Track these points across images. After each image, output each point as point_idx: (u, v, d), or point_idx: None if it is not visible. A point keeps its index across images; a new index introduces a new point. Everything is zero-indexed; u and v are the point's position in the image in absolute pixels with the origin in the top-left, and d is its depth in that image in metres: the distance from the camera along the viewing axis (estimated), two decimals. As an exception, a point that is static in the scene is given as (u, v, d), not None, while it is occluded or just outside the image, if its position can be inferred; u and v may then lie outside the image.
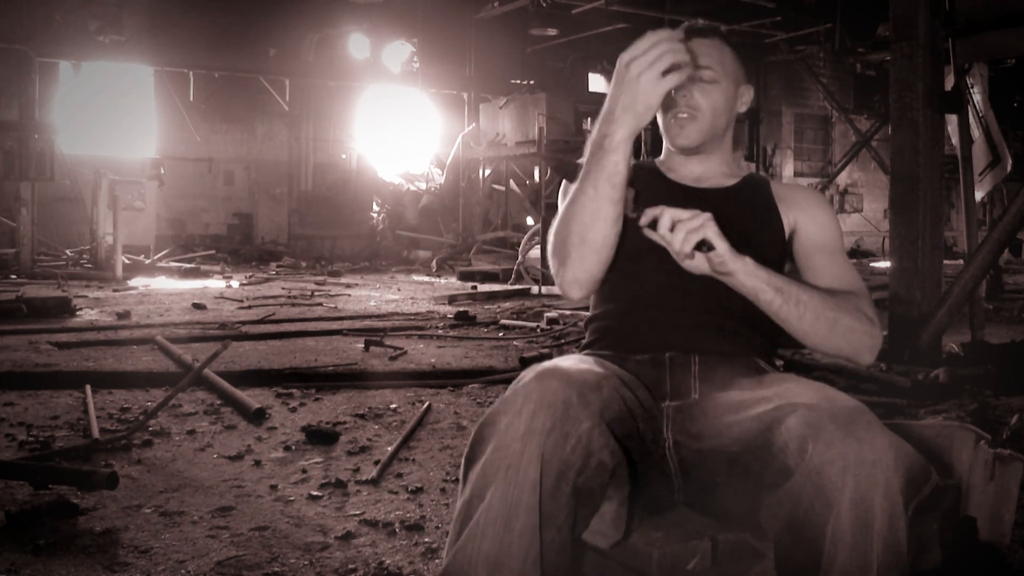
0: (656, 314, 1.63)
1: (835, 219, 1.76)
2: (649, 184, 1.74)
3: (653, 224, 1.44)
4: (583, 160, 1.56)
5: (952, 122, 6.40)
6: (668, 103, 1.69)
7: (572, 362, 1.40)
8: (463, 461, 1.30)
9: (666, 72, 1.44)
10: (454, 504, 2.75)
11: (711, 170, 1.77)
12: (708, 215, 1.41)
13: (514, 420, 1.24)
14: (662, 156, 1.83)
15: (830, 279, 1.64)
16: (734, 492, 1.36)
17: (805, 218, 1.71)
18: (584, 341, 1.72)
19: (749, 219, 1.69)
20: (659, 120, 1.76)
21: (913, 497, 1.21)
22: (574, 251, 1.55)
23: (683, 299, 1.62)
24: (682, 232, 1.40)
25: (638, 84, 1.45)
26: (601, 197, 1.50)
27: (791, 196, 1.75)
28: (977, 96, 6.64)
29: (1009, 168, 6.70)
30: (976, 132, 6.56)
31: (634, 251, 1.68)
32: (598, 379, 1.34)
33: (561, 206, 1.61)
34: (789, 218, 1.72)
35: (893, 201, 5.84)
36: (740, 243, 1.63)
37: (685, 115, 1.68)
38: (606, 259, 1.58)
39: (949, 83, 5.92)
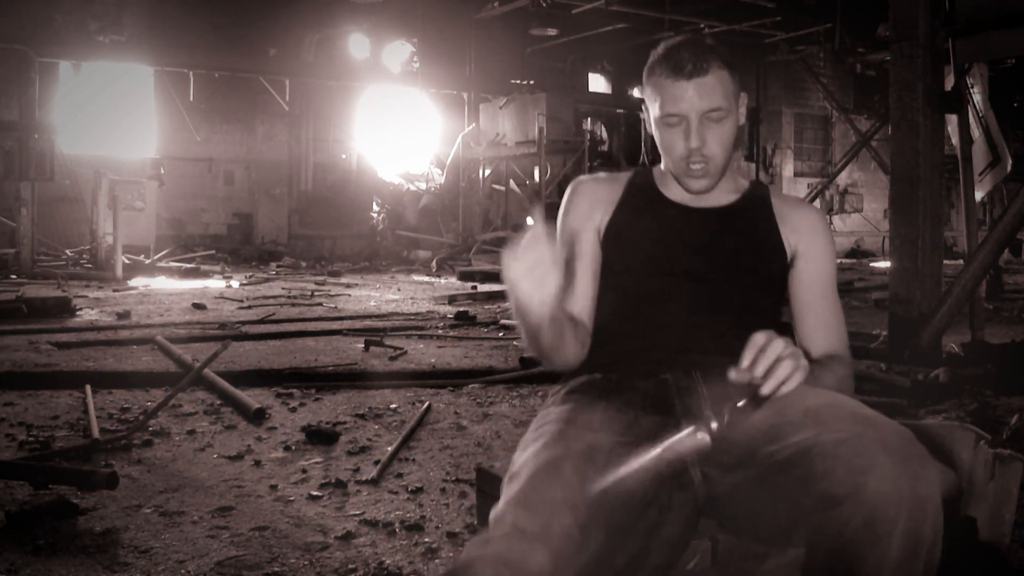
0: (652, 332, 1.63)
1: (833, 248, 1.76)
2: (644, 206, 1.73)
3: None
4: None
5: (952, 122, 6.39)
6: (678, 149, 1.63)
7: (549, 518, 1.26)
8: None
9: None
10: (453, 505, 2.76)
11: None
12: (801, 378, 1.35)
13: None
14: (661, 167, 1.77)
15: (820, 325, 1.69)
16: (761, 514, 1.36)
17: (806, 247, 1.70)
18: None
19: (751, 241, 1.69)
20: (666, 159, 1.69)
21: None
22: (554, 355, 1.61)
23: (677, 314, 1.62)
24: (780, 378, 1.33)
25: (520, 290, 1.38)
26: (553, 332, 1.54)
27: (793, 217, 1.72)
28: (977, 96, 6.63)
29: (1009, 168, 6.70)
30: (976, 132, 6.56)
31: (624, 269, 1.69)
32: (582, 536, 1.26)
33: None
34: (791, 241, 1.70)
35: (893, 201, 5.84)
36: (742, 265, 1.65)
37: (699, 166, 1.62)
38: (584, 338, 1.65)
39: (949, 83, 5.92)
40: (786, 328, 1.71)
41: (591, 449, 1.35)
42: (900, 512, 1.19)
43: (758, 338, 1.33)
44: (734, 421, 1.32)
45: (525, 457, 1.39)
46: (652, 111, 1.66)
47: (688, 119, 1.59)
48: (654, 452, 1.31)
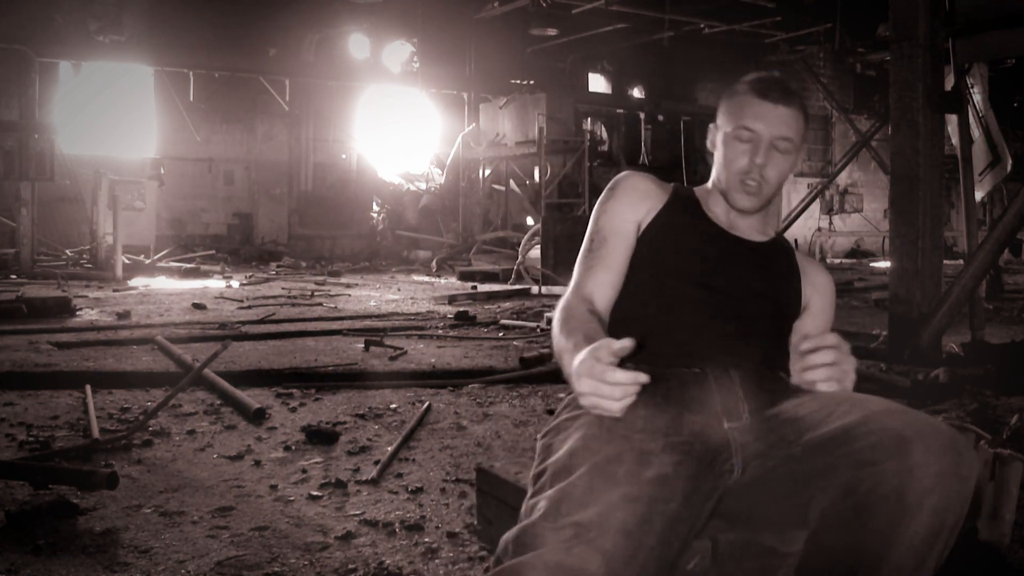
0: (690, 331, 1.66)
1: (834, 312, 1.90)
2: (687, 217, 1.78)
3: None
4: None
5: (952, 122, 6.40)
6: (739, 163, 1.71)
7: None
8: None
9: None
10: (453, 505, 2.76)
11: (750, 221, 1.82)
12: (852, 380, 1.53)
13: None
14: (709, 186, 1.83)
15: None
16: (782, 491, 1.38)
17: (817, 303, 1.84)
18: None
19: (777, 280, 1.78)
20: (721, 173, 1.76)
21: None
22: None
23: (710, 322, 1.66)
24: (823, 375, 1.51)
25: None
26: None
27: (813, 276, 1.86)
28: (977, 96, 6.63)
29: (1009, 168, 6.70)
30: (976, 132, 6.56)
31: (660, 270, 1.73)
32: None
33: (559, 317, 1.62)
34: (807, 293, 1.83)
35: (893, 201, 5.84)
36: (766, 298, 1.74)
37: (754, 183, 1.71)
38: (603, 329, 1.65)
39: (949, 83, 5.92)
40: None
41: (643, 452, 1.36)
42: (935, 485, 1.22)
43: (829, 338, 1.51)
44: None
45: (571, 447, 1.40)
46: (724, 126, 1.75)
47: (761, 138, 1.69)
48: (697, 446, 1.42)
